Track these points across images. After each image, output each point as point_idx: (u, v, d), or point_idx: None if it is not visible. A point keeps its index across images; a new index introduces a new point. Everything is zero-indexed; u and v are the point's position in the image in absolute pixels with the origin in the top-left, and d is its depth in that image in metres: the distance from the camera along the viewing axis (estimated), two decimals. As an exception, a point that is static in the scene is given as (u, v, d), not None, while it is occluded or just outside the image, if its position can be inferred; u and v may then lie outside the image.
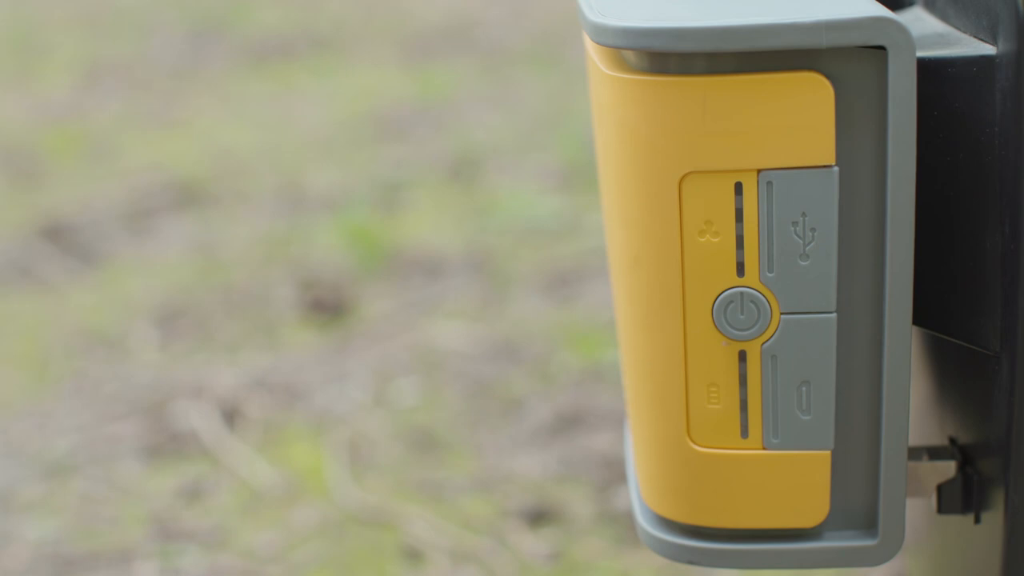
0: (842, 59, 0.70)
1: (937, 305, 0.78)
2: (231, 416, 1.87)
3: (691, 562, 0.79)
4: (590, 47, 0.80)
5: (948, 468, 0.82)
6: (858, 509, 0.77)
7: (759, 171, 0.71)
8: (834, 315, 0.73)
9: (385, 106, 3.19)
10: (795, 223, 0.72)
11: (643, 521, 0.81)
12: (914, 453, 0.82)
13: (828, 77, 0.70)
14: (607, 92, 0.75)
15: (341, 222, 2.52)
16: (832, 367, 0.74)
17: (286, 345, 2.08)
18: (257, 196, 2.70)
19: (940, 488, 0.82)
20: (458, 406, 1.87)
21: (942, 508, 0.82)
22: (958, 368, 0.83)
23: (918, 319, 0.77)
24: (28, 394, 1.97)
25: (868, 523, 0.77)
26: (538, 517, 1.61)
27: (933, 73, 0.74)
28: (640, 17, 0.70)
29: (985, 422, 0.78)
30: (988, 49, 0.73)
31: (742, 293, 0.74)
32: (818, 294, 0.73)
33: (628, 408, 0.85)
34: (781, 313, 0.73)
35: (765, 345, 0.74)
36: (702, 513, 0.78)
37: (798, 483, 0.76)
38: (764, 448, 0.75)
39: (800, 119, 0.70)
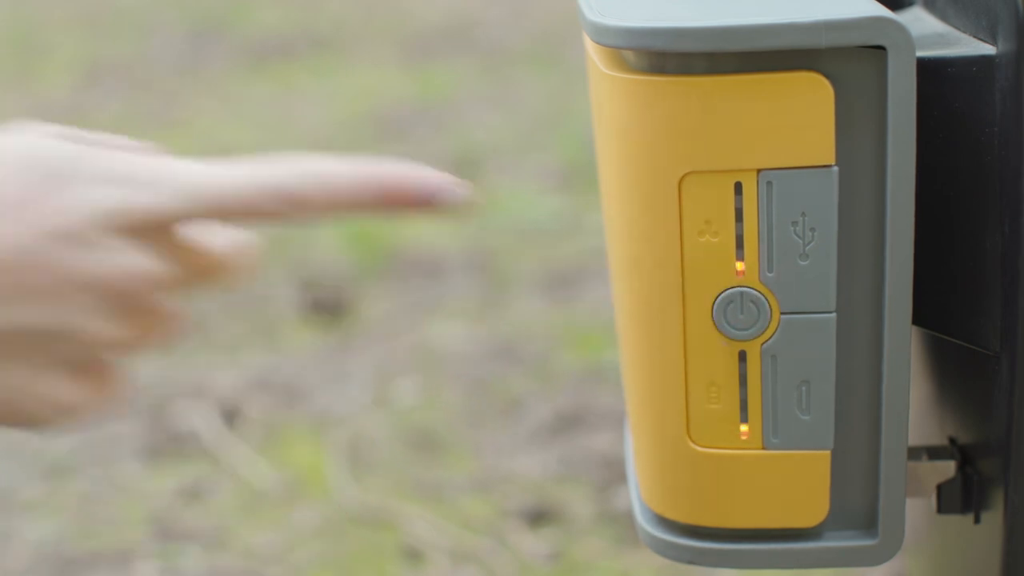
0: (842, 59, 0.70)
1: (937, 305, 0.78)
2: (231, 416, 1.87)
3: (691, 562, 0.79)
4: (590, 47, 0.80)
5: (948, 468, 0.81)
6: (858, 509, 0.77)
7: (759, 171, 0.71)
8: (834, 315, 0.73)
9: (385, 106, 3.19)
10: (795, 223, 0.72)
11: (643, 521, 0.81)
12: (914, 453, 0.82)
13: (828, 77, 0.70)
14: (607, 92, 0.75)
15: (341, 222, 2.52)
16: (832, 367, 0.74)
17: (286, 345, 2.08)
18: (257, 196, 2.70)
19: (940, 488, 0.82)
20: (458, 406, 1.87)
21: (942, 508, 0.82)
22: (958, 368, 0.83)
23: (918, 319, 0.77)
24: (28, 394, 1.97)
25: (868, 523, 0.77)
26: (538, 517, 1.61)
27: (933, 73, 0.74)
28: (640, 17, 0.70)
29: (985, 422, 0.78)
30: (988, 49, 0.73)
31: (742, 293, 0.74)
32: (818, 294, 0.73)
33: (628, 408, 0.85)
34: (781, 313, 0.73)
35: (765, 345, 0.74)
36: (702, 513, 0.78)
37: (798, 483, 0.76)
38: (764, 448, 0.75)
39: (800, 119, 0.70)
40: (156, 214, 0.66)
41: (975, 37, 0.75)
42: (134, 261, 0.67)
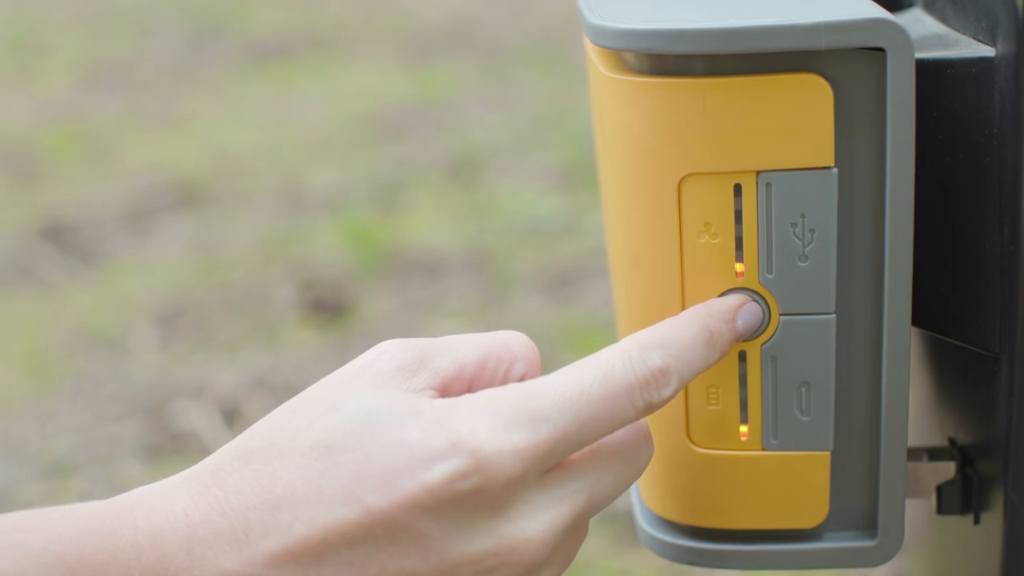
0: (841, 61, 0.70)
1: (936, 306, 0.78)
2: (231, 416, 1.87)
3: (691, 563, 0.79)
4: (589, 48, 0.80)
5: (948, 468, 0.82)
6: (858, 510, 0.77)
7: (758, 173, 0.71)
8: (833, 316, 0.73)
9: (385, 106, 3.19)
10: (794, 224, 0.72)
11: (643, 522, 0.81)
12: (914, 453, 0.82)
13: (827, 79, 0.70)
14: (606, 93, 0.75)
15: (341, 222, 2.52)
16: (831, 368, 0.74)
17: (286, 345, 2.08)
18: (257, 196, 2.70)
19: (940, 489, 0.82)
20: (458, 406, 1.86)
21: (942, 509, 0.82)
22: (958, 368, 0.83)
23: (917, 320, 0.77)
24: (28, 394, 1.97)
25: (868, 524, 0.77)
26: (538, 517, 1.61)
27: (932, 75, 0.74)
28: (639, 19, 0.70)
29: (985, 422, 0.78)
30: (987, 51, 0.73)
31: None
32: (817, 295, 0.73)
33: (628, 409, 0.85)
34: (780, 314, 0.73)
35: (765, 346, 0.74)
36: (702, 514, 0.78)
37: (798, 484, 0.76)
38: (763, 449, 0.75)
39: (799, 121, 0.70)
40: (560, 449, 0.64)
41: (974, 39, 0.75)
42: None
